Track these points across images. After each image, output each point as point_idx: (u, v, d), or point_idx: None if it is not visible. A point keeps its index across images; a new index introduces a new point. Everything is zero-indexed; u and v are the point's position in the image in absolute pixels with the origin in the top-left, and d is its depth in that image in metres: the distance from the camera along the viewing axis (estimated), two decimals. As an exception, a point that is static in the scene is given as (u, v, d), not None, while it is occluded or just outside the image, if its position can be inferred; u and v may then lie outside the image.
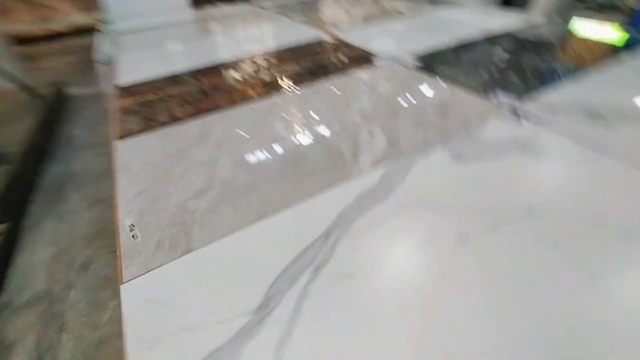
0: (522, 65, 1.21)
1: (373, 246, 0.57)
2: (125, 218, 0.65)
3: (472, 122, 0.90)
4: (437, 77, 1.15)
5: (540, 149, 0.78)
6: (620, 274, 0.51)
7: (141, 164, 0.82)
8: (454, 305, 0.48)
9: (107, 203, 1.59)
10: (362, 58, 1.36)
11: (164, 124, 0.98)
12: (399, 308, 0.48)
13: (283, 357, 0.43)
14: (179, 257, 0.57)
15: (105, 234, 1.38)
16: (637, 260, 0.53)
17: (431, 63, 1.27)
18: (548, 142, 0.80)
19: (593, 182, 0.69)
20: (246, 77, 1.26)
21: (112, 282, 1.17)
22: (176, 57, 1.51)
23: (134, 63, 1.46)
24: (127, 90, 1.21)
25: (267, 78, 1.23)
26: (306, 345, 0.45)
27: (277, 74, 1.25)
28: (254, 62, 1.38)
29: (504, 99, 0.99)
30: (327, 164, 0.77)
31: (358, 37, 1.60)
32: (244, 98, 1.10)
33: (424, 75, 1.18)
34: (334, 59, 1.37)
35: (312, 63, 1.34)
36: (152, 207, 0.68)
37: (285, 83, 1.18)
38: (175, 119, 1.00)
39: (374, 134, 0.87)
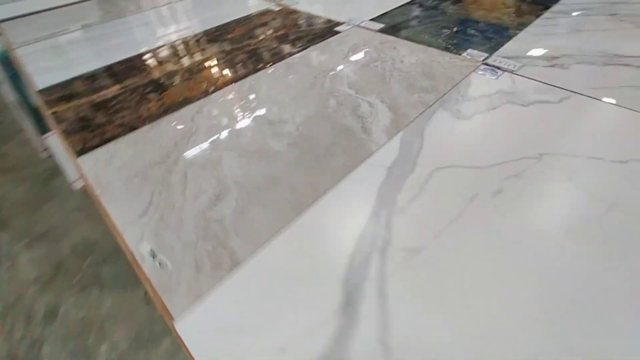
0: (475, 20, 1.27)
1: (424, 215, 0.57)
2: (139, 245, 0.54)
3: (457, 79, 0.93)
4: (405, 39, 1.15)
5: (524, 94, 0.85)
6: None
7: (124, 179, 0.68)
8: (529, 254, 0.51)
9: (51, 235, 1.33)
10: (324, 26, 1.29)
11: (128, 126, 0.82)
12: (475, 271, 0.49)
13: (392, 347, 0.42)
14: (228, 273, 0.50)
15: (65, 271, 1.16)
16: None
17: (393, 25, 1.27)
18: (527, 87, 0.87)
19: (580, 117, 0.77)
20: (206, 59, 1.11)
21: (96, 323, 1.00)
22: (99, 45, 1.26)
23: (45, 58, 1.18)
24: (55, 94, 0.98)
25: (229, 59, 1.10)
26: (408, 329, 0.43)
27: (237, 53, 1.13)
28: (208, 41, 1.22)
29: (475, 54, 1.04)
30: (342, 144, 0.73)
31: (307, 5, 1.51)
32: (212, 84, 0.97)
33: (393, 38, 1.17)
34: (292, 30, 1.28)
35: (272, 36, 1.24)
36: (167, 225, 0.58)
37: (251, 61, 1.07)
38: (141, 119, 0.85)
39: (373, 105, 0.85)
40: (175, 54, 1.17)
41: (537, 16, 1.27)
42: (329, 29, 1.27)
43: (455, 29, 1.22)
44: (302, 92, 0.92)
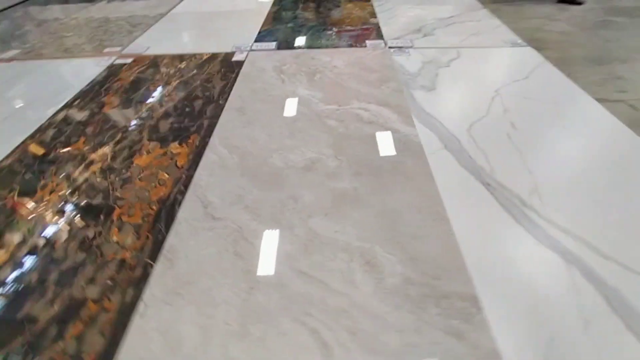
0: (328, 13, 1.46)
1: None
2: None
3: (396, 67, 1.08)
4: (308, 48, 1.21)
5: (441, 59, 1.09)
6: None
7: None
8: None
9: None
10: (217, 60, 1.15)
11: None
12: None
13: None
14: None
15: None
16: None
17: (282, 40, 1.28)
18: (436, 55, 1.12)
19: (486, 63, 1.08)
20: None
21: None
22: None
23: None
24: None
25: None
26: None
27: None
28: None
29: (378, 42, 1.22)
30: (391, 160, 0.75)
31: (162, 48, 1.28)
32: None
33: (298, 51, 1.19)
34: (185, 77, 1.08)
35: (168, 94, 1.01)
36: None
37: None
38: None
39: (370, 109, 0.88)
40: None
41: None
42: (227, 62, 1.15)
43: (332, 30, 1.36)
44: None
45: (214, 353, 0.45)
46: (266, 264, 0.55)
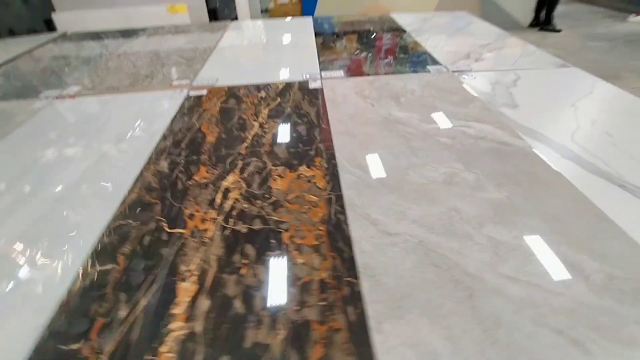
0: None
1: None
2: None
3: (468, 88, 1.16)
4: (374, 75, 1.28)
5: (505, 80, 1.20)
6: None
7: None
8: None
9: None
10: (297, 89, 1.20)
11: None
12: None
13: None
14: None
15: None
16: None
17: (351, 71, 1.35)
18: (498, 77, 1.23)
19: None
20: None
21: None
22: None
23: None
24: None
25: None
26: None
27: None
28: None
29: (439, 67, 1.32)
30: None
31: (233, 79, 1.32)
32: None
33: (370, 77, 1.27)
34: (275, 106, 1.11)
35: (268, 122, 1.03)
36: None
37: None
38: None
39: (475, 126, 0.95)
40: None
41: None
42: (306, 89, 1.20)
43: (388, 58, 1.46)
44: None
45: (475, 361, 0.45)
46: (470, 273, 0.57)
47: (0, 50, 1.89)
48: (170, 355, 0.48)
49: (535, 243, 0.61)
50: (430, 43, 1.61)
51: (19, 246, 0.66)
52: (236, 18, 3.32)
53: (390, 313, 0.52)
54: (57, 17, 3.04)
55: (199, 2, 3.16)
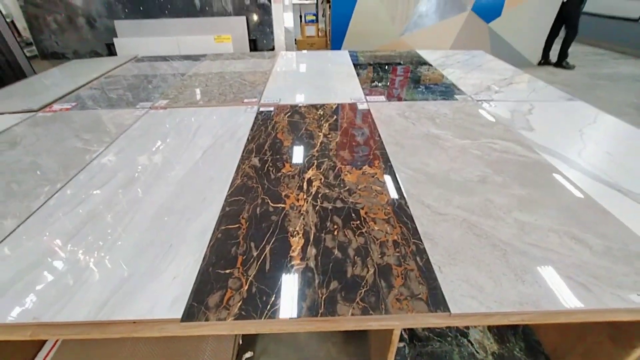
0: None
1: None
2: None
3: (491, 114, 1.41)
4: (411, 100, 1.54)
5: (521, 109, 1.44)
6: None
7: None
8: None
9: None
10: (349, 108, 1.45)
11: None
12: None
13: None
14: None
15: None
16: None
17: (394, 96, 1.62)
18: (515, 106, 1.47)
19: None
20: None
21: None
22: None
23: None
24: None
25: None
26: None
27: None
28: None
29: (465, 96, 1.58)
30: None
31: (291, 99, 1.60)
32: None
33: (397, 103, 1.52)
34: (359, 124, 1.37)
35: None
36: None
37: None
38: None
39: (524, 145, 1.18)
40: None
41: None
42: (355, 109, 1.46)
43: (421, 87, 1.73)
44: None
45: (509, 295, 0.66)
46: (503, 240, 0.78)
47: (85, 67, 2.24)
48: (296, 277, 0.70)
49: (552, 224, 0.82)
50: (454, 76, 1.88)
51: (170, 214, 0.90)
52: (273, 48, 3.72)
53: (447, 262, 0.73)
54: (118, 42, 3.46)
55: (242, 33, 3.57)
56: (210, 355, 0.92)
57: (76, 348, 0.96)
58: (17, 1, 3.39)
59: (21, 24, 4.54)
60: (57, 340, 0.99)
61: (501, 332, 1.13)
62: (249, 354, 1.12)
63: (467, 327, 1.15)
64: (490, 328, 1.15)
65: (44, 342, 1.00)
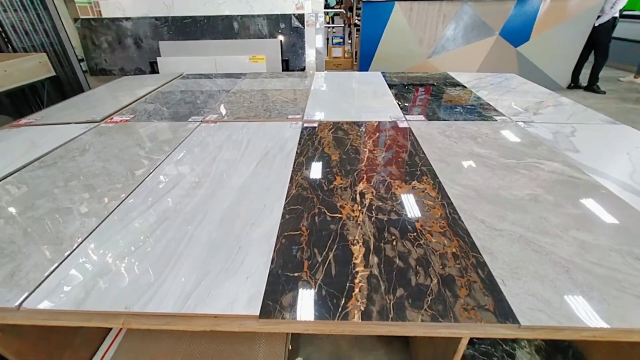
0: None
1: None
2: None
3: (533, 135, 1.43)
4: (445, 120, 1.58)
5: (564, 131, 1.45)
6: None
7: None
8: None
9: None
10: (393, 128, 1.51)
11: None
12: None
13: None
14: None
15: None
16: None
17: (427, 114, 1.67)
18: (557, 128, 1.48)
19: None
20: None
21: None
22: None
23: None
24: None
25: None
26: None
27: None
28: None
29: (504, 117, 1.60)
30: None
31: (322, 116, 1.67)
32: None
33: (436, 122, 1.56)
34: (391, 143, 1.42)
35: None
36: None
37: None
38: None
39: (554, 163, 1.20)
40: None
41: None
42: (396, 127, 1.51)
43: (457, 108, 1.77)
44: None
45: (577, 311, 0.66)
46: (564, 257, 0.79)
47: (136, 83, 2.41)
48: (362, 284, 0.73)
49: (611, 244, 0.82)
50: (489, 97, 1.91)
51: (235, 218, 0.96)
52: (304, 69, 3.88)
53: (510, 275, 0.74)
54: (161, 61, 3.71)
55: (276, 54, 3.76)
56: (263, 356, 0.95)
57: (135, 344, 1.01)
58: (74, 23, 3.74)
59: (74, 42, 4.93)
60: (118, 333, 1.04)
61: (550, 355, 1.11)
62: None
63: (514, 349, 1.12)
64: (538, 350, 1.12)
65: (105, 335, 1.06)
